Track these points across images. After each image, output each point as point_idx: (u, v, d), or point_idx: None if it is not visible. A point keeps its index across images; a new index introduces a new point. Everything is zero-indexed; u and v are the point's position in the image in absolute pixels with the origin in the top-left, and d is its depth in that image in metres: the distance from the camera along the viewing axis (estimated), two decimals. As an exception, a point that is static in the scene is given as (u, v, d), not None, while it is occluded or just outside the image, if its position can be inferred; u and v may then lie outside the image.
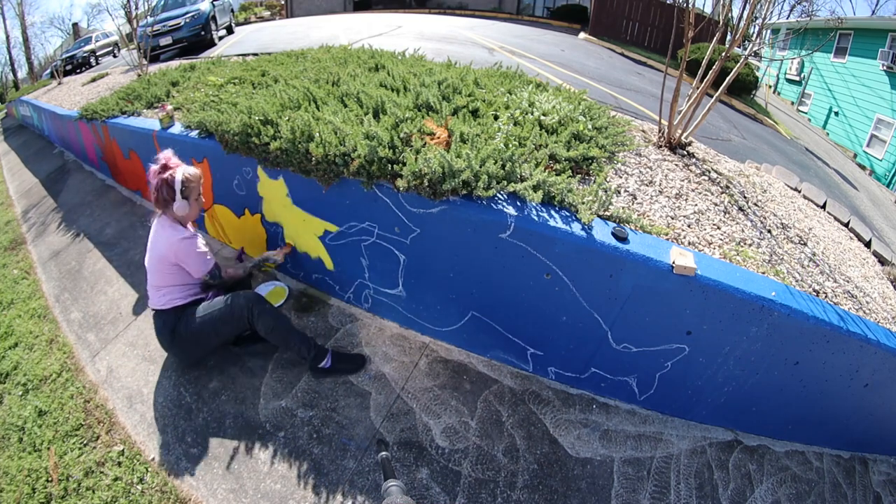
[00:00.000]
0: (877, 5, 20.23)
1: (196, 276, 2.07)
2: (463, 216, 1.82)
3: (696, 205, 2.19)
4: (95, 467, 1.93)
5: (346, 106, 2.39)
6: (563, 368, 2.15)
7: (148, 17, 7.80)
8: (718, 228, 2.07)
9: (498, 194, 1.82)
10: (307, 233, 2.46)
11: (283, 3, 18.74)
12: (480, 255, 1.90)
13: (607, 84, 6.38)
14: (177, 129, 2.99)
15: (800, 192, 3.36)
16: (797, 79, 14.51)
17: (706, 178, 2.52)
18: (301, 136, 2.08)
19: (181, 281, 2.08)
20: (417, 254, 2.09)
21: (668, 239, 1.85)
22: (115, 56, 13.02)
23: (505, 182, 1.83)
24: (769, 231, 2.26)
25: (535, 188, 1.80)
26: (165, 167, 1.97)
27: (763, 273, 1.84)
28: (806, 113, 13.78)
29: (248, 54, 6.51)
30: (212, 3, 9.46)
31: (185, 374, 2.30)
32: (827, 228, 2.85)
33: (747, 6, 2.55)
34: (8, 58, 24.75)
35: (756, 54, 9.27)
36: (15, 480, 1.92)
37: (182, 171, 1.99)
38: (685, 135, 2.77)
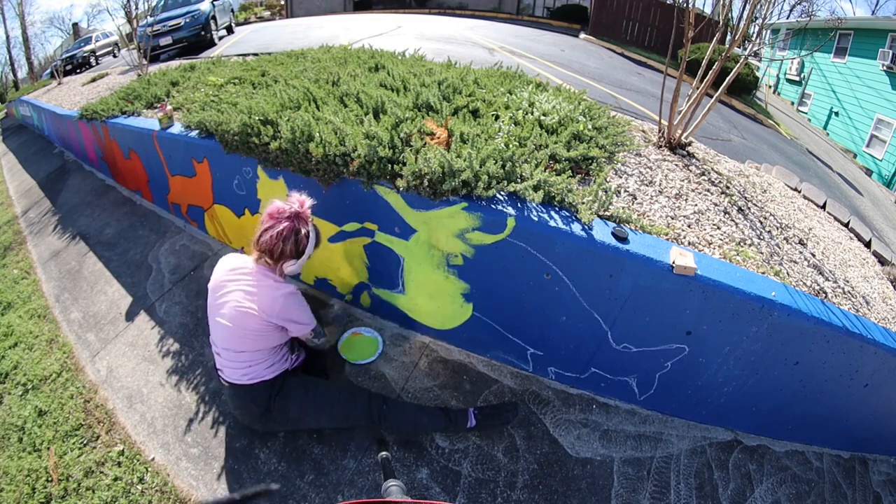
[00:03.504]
0: (877, 5, 20.25)
1: (301, 333, 1.72)
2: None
3: (695, 205, 2.19)
4: (95, 467, 1.93)
5: (346, 106, 2.39)
6: (563, 368, 2.15)
7: (148, 17, 7.81)
8: (718, 228, 2.07)
9: (498, 194, 1.82)
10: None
11: (283, 3, 18.74)
12: (480, 255, 1.90)
13: (607, 84, 6.38)
14: (176, 128, 2.99)
15: (800, 192, 3.37)
16: (797, 79, 14.51)
17: (706, 178, 2.52)
18: (301, 136, 2.08)
19: (270, 344, 1.69)
20: (417, 254, 2.09)
21: (668, 239, 1.85)
22: (115, 56, 13.03)
23: (505, 182, 1.83)
24: (769, 231, 2.26)
25: (536, 188, 1.80)
26: (300, 216, 1.63)
27: (763, 273, 1.84)
28: (806, 113, 13.79)
29: (248, 54, 6.52)
30: (212, 2, 9.47)
31: (185, 375, 2.30)
32: (827, 228, 2.85)
33: (747, 6, 2.56)
34: (8, 57, 24.76)
35: (756, 54, 9.28)
36: (15, 480, 1.93)
37: (314, 224, 1.69)
38: (685, 135, 2.77)
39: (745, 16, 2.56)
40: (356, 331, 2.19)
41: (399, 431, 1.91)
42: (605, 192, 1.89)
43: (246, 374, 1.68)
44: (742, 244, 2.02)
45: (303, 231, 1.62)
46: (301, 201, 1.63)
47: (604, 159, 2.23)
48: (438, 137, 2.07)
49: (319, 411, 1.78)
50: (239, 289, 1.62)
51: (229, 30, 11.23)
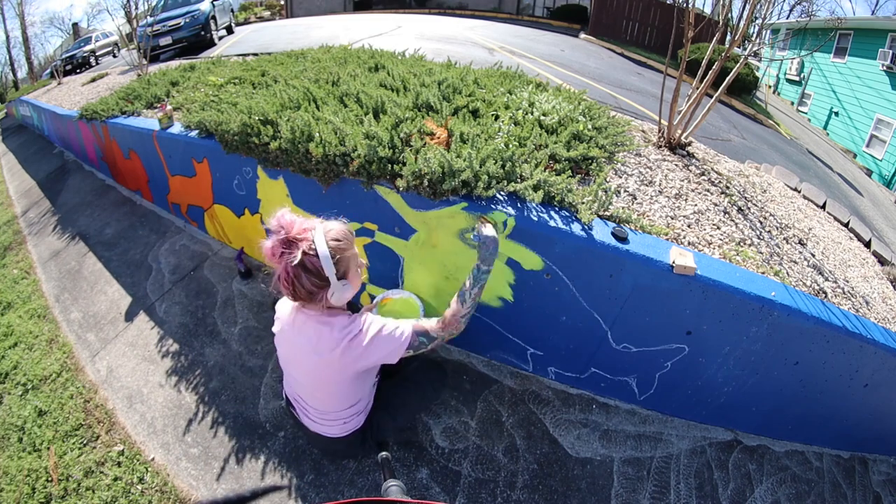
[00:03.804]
0: (876, 5, 20.26)
1: (395, 360, 1.34)
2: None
3: (695, 205, 2.19)
4: (95, 467, 1.93)
5: (345, 106, 2.39)
6: (563, 368, 2.15)
7: (148, 17, 7.81)
8: (718, 228, 2.07)
9: (498, 194, 1.82)
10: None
11: (283, 3, 18.74)
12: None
13: (607, 84, 6.38)
14: (176, 128, 2.99)
15: (799, 192, 3.36)
16: (797, 79, 14.52)
17: (706, 178, 2.52)
18: (301, 136, 2.08)
19: (366, 387, 1.47)
20: (417, 254, 2.09)
21: (667, 239, 1.85)
22: (114, 56, 13.04)
23: (505, 182, 1.83)
24: (769, 231, 2.26)
25: (535, 188, 1.80)
26: (290, 241, 1.17)
27: (763, 273, 1.84)
28: (806, 113, 13.79)
29: (248, 54, 6.52)
30: (212, 2, 9.47)
31: (185, 375, 2.31)
32: (827, 228, 2.85)
33: (747, 6, 2.56)
34: (8, 57, 24.80)
35: (756, 54, 9.28)
36: (15, 480, 1.93)
37: (321, 233, 1.20)
38: (685, 135, 2.76)
39: (744, 16, 2.56)
40: (387, 296, 1.90)
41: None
42: (605, 192, 1.89)
43: (342, 429, 1.48)
44: (742, 244, 2.02)
45: (298, 255, 1.15)
46: (278, 221, 1.18)
47: (604, 159, 2.23)
48: (438, 137, 2.07)
49: (406, 413, 1.71)
50: (304, 342, 1.28)
51: (229, 30, 11.23)
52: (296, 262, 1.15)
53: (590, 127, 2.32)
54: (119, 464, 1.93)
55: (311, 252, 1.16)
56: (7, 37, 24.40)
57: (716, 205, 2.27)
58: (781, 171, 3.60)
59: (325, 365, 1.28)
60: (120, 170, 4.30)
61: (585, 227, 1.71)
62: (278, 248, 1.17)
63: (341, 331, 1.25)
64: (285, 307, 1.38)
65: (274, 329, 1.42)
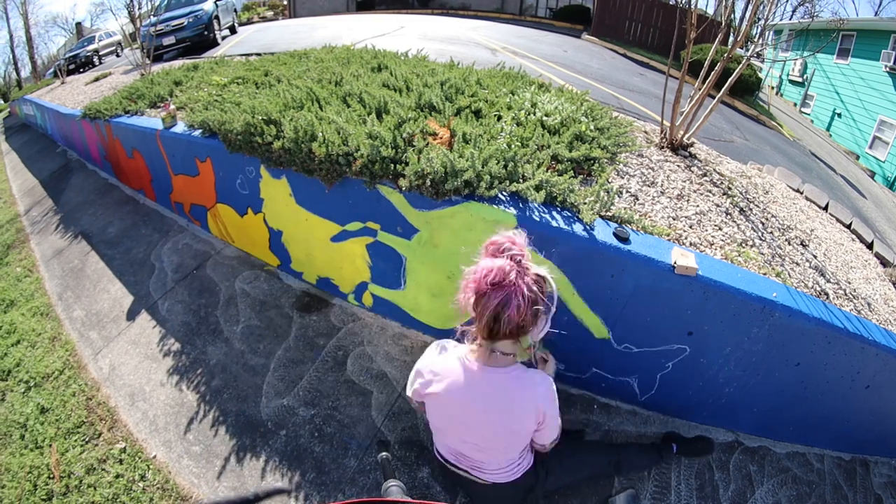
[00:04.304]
0: (880, 6, 20.19)
1: (547, 442, 1.34)
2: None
3: (697, 206, 2.19)
4: (97, 464, 1.94)
5: (348, 106, 2.40)
6: (563, 368, 2.15)
7: (151, 17, 7.85)
8: (720, 229, 2.07)
9: (500, 194, 1.82)
10: (310, 232, 2.46)
11: (285, 3, 18.78)
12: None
13: (610, 85, 6.38)
14: (180, 128, 3.00)
15: (802, 193, 3.36)
16: (800, 80, 14.48)
17: (708, 179, 2.52)
18: (304, 136, 2.09)
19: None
20: (419, 253, 2.09)
21: (669, 240, 1.86)
22: (118, 55, 13.09)
23: (507, 182, 1.83)
24: (771, 232, 2.26)
25: (538, 188, 1.81)
26: (524, 265, 1.06)
27: (764, 274, 1.84)
28: (809, 114, 13.75)
29: (252, 54, 6.54)
30: (215, 2, 9.51)
31: (187, 373, 2.31)
32: (829, 230, 2.84)
33: (750, 7, 2.55)
34: (11, 57, 24.88)
35: (758, 55, 9.26)
36: (17, 477, 1.94)
37: (546, 270, 1.11)
38: (687, 136, 2.76)
39: (747, 17, 2.56)
40: None
41: (629, 474, 1.86)
42: (607, 192, 1.89)
43: (512, 473, 1.39)
44: (744, 245, 2.02)
45: (541, 281, 1.08)
46: (510, 240, 1.08)
47: (606, 160, 2.23)
48: (441, 137, 2.07)
49: (573, 475, 1.67)
50: (491, 408, 1.20)
51: (232, 30, 11.27)
52: (528, 287, 1.04)
53: (592, 128, 2.32)
54: (121, 461, 1.94)
55: (541, 283, 1.08)
56: (11, 36, 24.50)
57: (718, 206, 2.27)
58: (784, 173, 3.60)
59: (519, 404, 1.21)
60: (123, 169, 4.32)
61: (587, 227, 1.72)
62: (514, 266, 1.04)
63: (534, 375, 1.23)
64: (449, 364, 1.25)
65: (435, 389, 1.25)
